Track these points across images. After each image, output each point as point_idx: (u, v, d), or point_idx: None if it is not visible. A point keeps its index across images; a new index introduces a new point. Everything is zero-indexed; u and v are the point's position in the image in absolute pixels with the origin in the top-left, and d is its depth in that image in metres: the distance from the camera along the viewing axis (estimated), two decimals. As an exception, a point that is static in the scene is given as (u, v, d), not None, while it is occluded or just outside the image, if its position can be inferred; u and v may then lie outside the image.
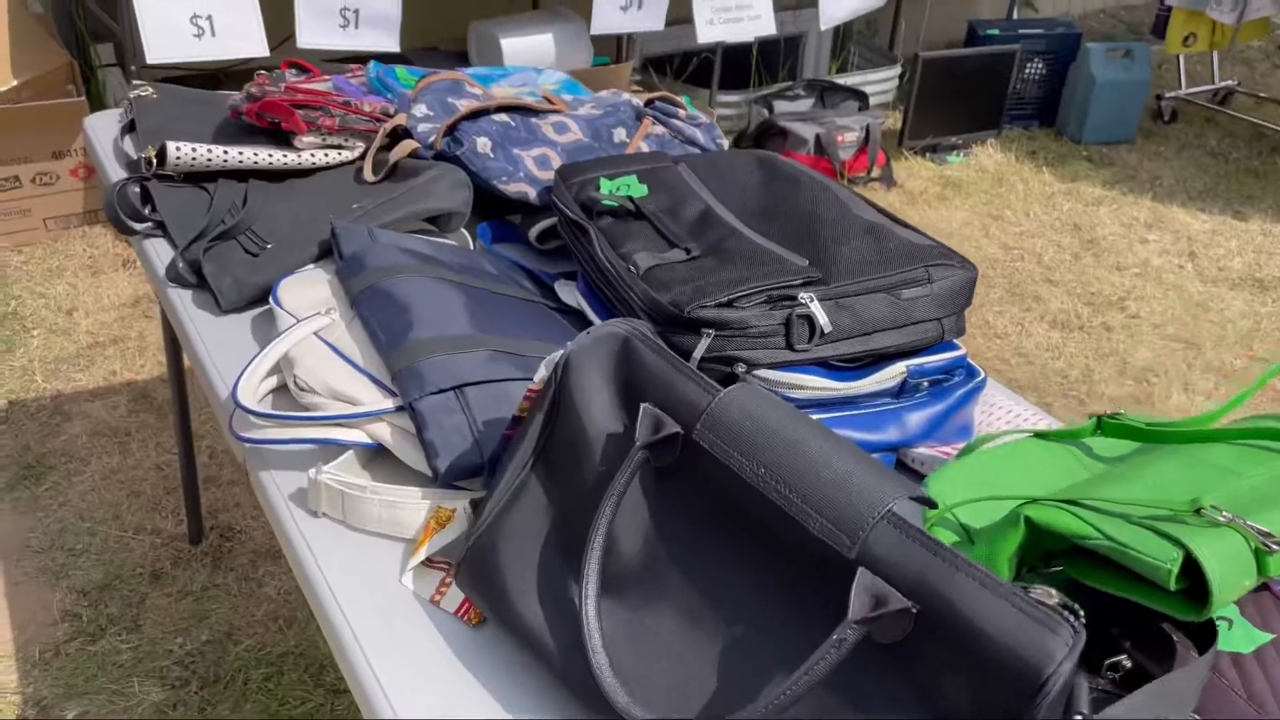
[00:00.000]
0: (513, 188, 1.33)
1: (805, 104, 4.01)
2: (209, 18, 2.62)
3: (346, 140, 1.48)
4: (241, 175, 1.40)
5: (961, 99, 4.08)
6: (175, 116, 1.55)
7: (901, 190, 3.80)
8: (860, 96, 4.06)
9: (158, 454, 2.16)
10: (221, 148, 1.38)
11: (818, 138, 3.75)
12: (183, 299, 1.24)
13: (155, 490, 2.07)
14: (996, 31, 4.23)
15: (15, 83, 2.72)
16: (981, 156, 4.14)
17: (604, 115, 1.43)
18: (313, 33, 2.80)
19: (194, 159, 1.36)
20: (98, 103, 3.05)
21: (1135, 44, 4.22)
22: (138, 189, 1.36)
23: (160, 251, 1.32)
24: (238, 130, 1.50)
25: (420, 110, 1.45)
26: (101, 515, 2.00)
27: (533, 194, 1.33)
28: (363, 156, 1.46)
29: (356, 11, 2.84)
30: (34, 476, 2.09)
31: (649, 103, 1.47)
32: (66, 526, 1.97)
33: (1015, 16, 4.80)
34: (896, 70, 4.48)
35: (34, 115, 2.74)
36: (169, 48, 2.60)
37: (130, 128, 1.57)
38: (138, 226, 1.35)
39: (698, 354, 0.95)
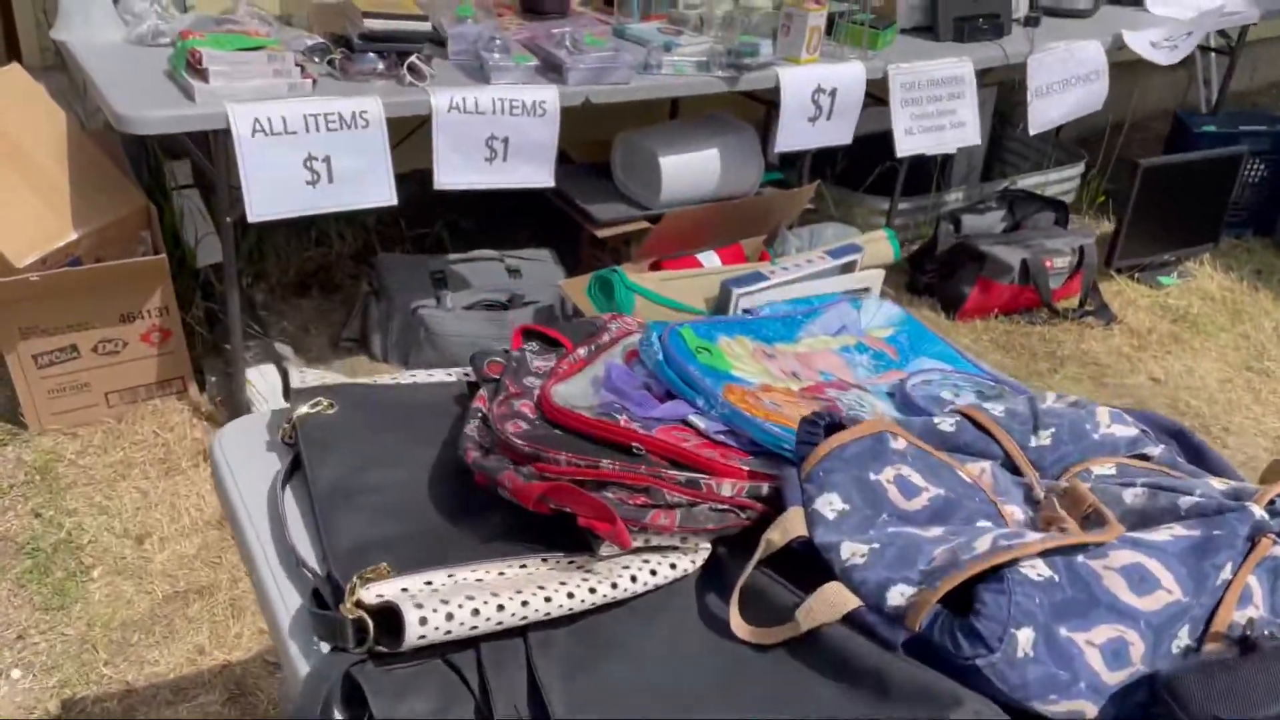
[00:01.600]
0: (1063, 708, 0.69)
1: (995, 217, 3.37)
2: (326, 160, 2.02)
3: (685, 540, 0.85)
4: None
5: (1177, 209, 3.42)
6: (368, 457, 0.93)
7: (1124, 329, 3.14)
8: (1058, 207, 3.42)
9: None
10: (494, 599, 0.75)
11: (1024, 264, 3.11)
12: None
13: None
14: (1213, 128, 3.57)
15: (75, 235, 2.13)
16: (1200, 277, 3.48)
17: (1203, 537, 0.78)
18: (453, 170, 2.20)
19: (449, 630, 0.74)
20: (170, 236, 2.44)
21: (1382, 144, 3.56)
22: (342, 685, 0.73)
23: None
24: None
25: (836, 512, 0.83)
26: None
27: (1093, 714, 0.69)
28: (716, 569, 0.84)
29: (506, 141, 2.23)
30: None
31: (1270, 503, 0.82)
32: None
33: (1208, 103, 4.14)
34: (1079, 169, 3.83)
35: (101, 278, 2.14)
36: (277, 201, 1.99)
37: (294, 468, 0.95)
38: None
39: None
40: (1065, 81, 3.09)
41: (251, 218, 1.97)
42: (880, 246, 2.72)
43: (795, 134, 2.67)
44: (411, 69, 2.18)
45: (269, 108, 1.95)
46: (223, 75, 1.93)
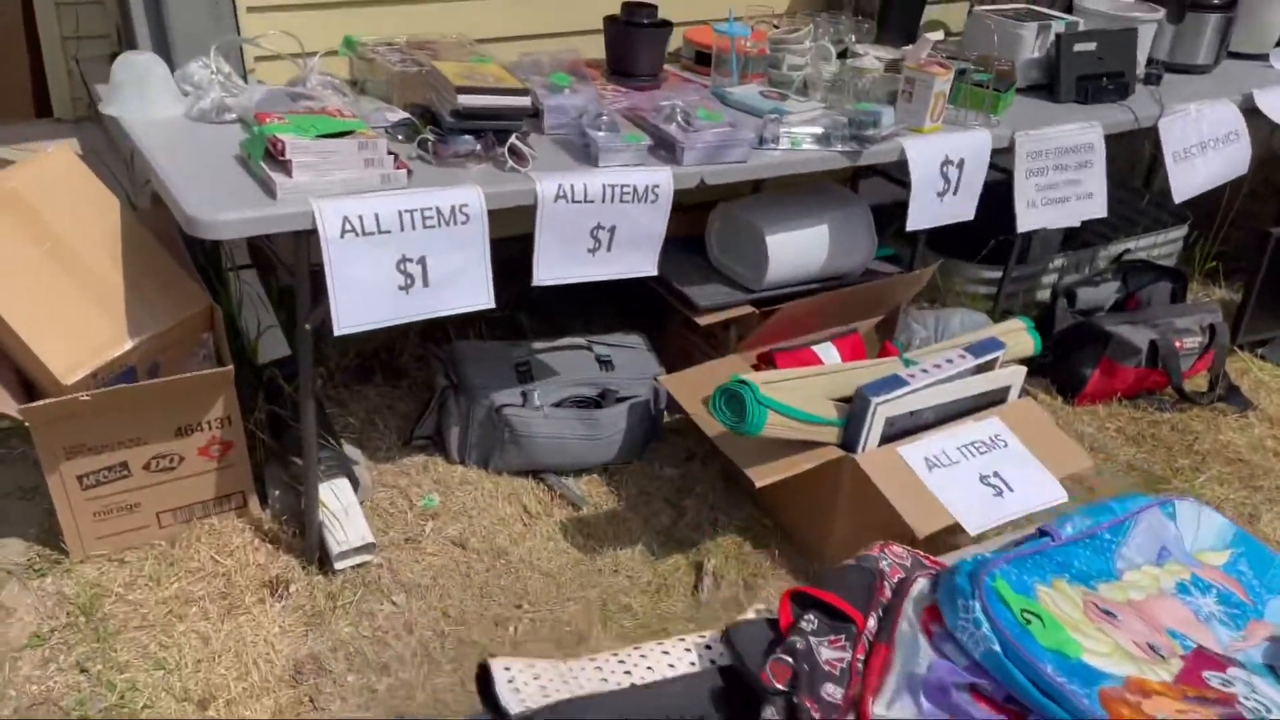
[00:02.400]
0: None
1: (1110, 289, 3.09)
2: (421, 261, 1.76)
3: None
4: None
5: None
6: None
7: (1261, 416, 2.86)
8: (1176, 277, 3.14)
9: None
10: None
11: (1153, 346, 2.83)
12: None
13: None
14: (1339, 190, 3.30)
15: (130, 344, 1.86)
16: (1330, 354, 3.20)
17: None
18: (553, 264, 1.94)
19: None
20: (228, 327, 2.17)
21: None
22: None
23: None
24: None
25: None
26: None
27: None
28: None
29: (612, 230, 1.97)
30: None
31: None
32: None
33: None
34: (1183, 231, 3.56)
35: (159, 394, 1.87)
36: (366, 310, 1.73)
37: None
38: None
39: None
40: (1203, 144, 2.82)
41: (339, 330, 1.70)
42: (1019, 339, 2.45)
43: (925, 211, 2.40)
44: (512, 151, 1.92)
45: (361, 204, 1.68)
46: (309, 168, 1.67)
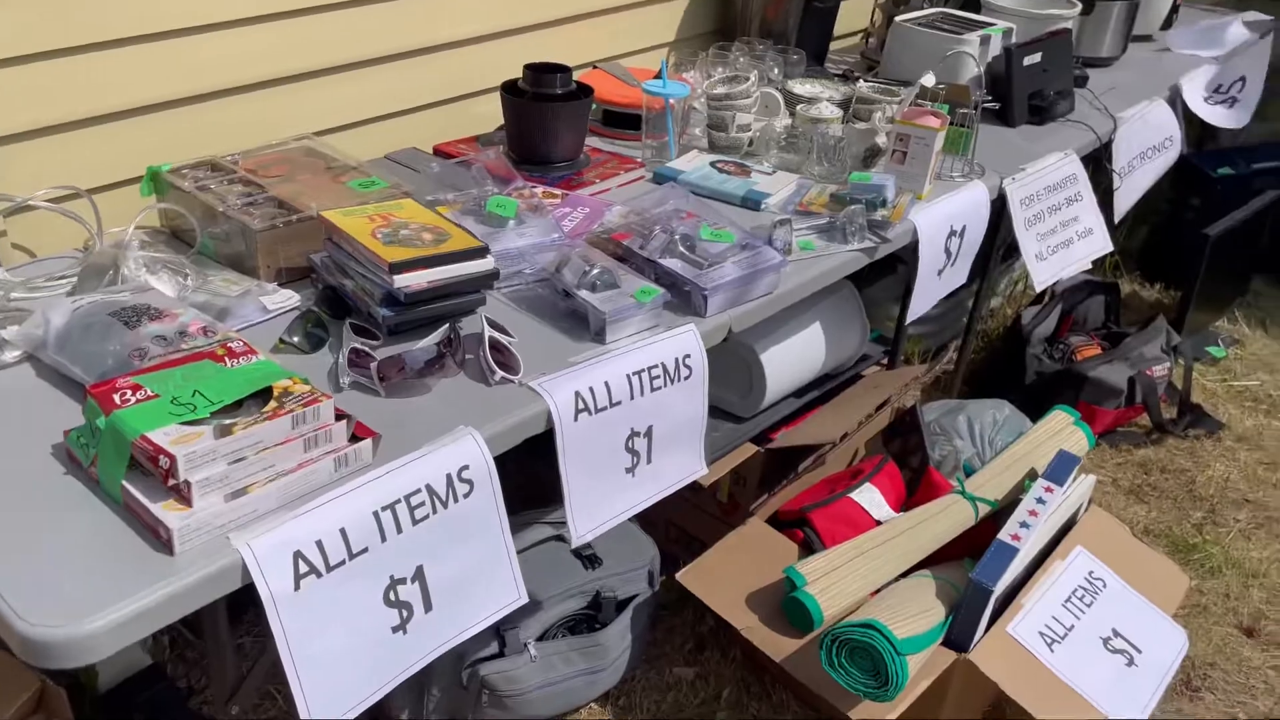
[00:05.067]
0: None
1: (1053, 315, 2.80)
2: (419, 578, 1.10)
3: None
4: None
5: (1228, 272, 3.02)
6: None
7: (1233, 436, 2.67)
8: (1110, 290, 2.91)
9: None
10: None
11: (1131, 383, 2.56)
12: None
13: None
14: (1229, 170, 3.19)
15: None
16: (1246, 342, 3.10)
17: None
18: (592, 508, 1.34)
19: None
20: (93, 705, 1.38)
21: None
22: None
23: None
24: None
25: None
26: None
27: None
28: None
29: (649, 432, 1.40)
30: None
31: None
32: None
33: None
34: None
35: None
36: (350, 686, 1.06)
37: None
38: None
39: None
40: (1143, 155, 2.55)
41: (311, 731, 1.02)
42: (1075, 440, 2.07)
43: (926, 295, 1.95)
44: (497, 355, 1.27)
45: (316, 521, 1.00)
46: (217, 485, 0.96)
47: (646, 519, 1.76)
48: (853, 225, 1.74)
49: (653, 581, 1.86)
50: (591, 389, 1.28)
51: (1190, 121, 3.49)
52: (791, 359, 1.94)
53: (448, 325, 1.28)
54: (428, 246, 1.29)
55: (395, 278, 1.25)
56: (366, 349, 1.23)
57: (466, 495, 1.13)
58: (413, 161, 1.86)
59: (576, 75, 1.85)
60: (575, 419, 1.26)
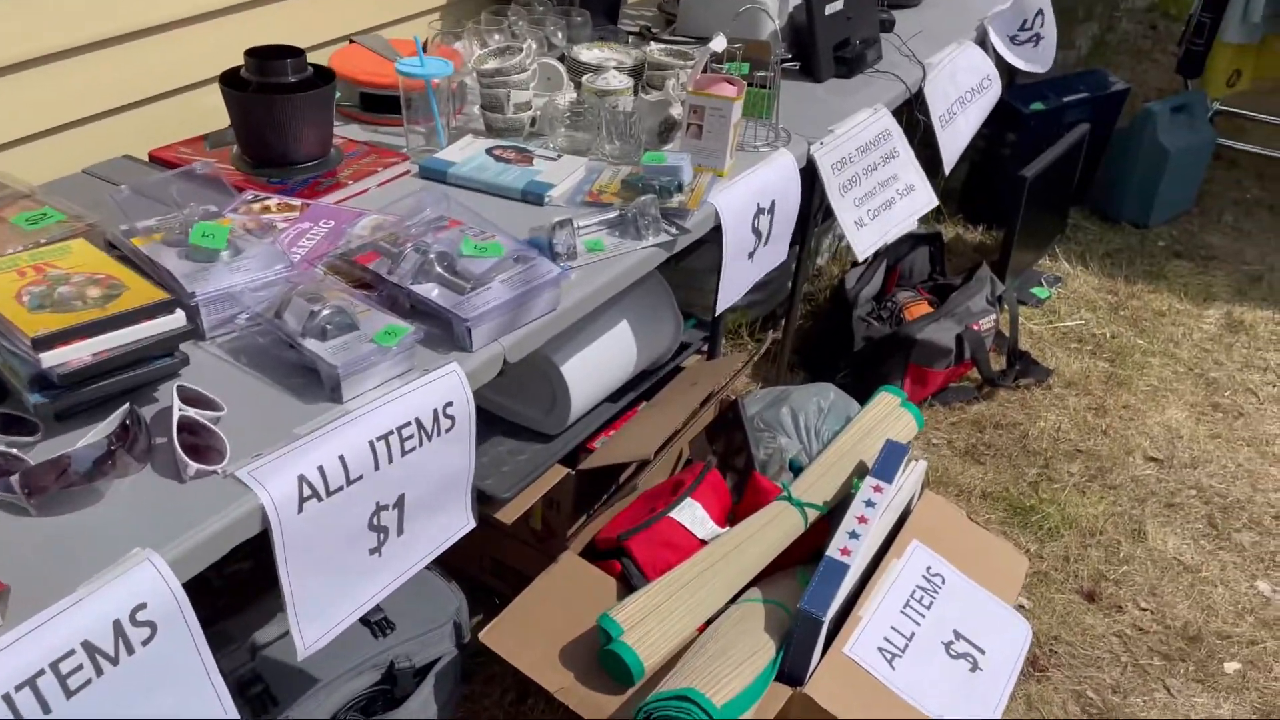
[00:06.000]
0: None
1: (877, 274, 2.68)
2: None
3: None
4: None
5: (1045, 210, 2.97)
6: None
7: (1062, 382, 2.63)
8: (933, 240, 2.81)
9: None
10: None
11: (959, 340, 2.47)
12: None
13: None
14: (1041, 106, 3.13)
15: None
16: (1069, 280, 3.07)
17: None
18: (320, 617, 1.10)
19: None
20: None
21: (1190, 95, 3.32)
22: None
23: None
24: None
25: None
26: None
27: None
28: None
29: (399, 503, 1.17)
30: None
31: None
32: None
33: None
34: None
35: None
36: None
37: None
38: None
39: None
40: (962, 100, 2.43)
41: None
42: (903, 424, 1.94)
43: (736, 282, 1.77)
44: (193, 439, 1.01)
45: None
46: None
47: (456, 552, 1.52)
48: (645, 218, 1.53)
49: (460, 634, 1.64)
50: (322, 469, 1.03)
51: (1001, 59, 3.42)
52: (598, 365, 1.73)
53: (126, 408, 1.01)
54: (90, 308, 1.01)
55: (42, 355, 0.97)
56: (13, 452, 0.95)
57: (146, 642, 0.88)
58: (119, 174, 1.54)
59: (331, 51, 1.56)
60: (300, 510, 1.01)
